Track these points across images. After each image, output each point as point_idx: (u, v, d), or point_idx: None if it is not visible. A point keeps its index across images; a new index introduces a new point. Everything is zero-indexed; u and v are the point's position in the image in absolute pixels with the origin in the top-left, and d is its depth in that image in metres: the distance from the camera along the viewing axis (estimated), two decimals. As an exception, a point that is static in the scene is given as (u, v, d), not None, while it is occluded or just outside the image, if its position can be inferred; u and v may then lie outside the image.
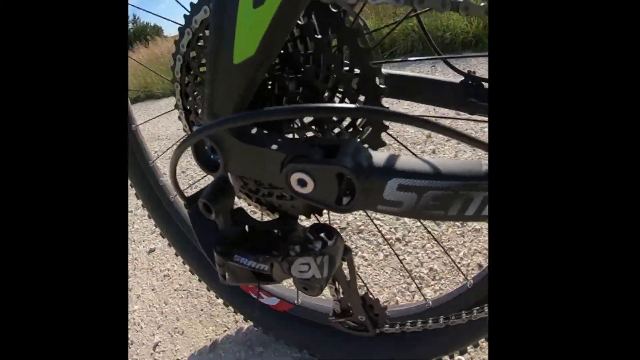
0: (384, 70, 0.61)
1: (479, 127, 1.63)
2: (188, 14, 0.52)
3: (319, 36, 0.47)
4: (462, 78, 0.58)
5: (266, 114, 0.42)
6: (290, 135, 0.53)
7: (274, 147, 0.46)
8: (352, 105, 0.47)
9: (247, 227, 0.57)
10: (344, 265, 0.61)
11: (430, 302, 0.77)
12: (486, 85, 0.57)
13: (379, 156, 0.43)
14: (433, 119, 0.39)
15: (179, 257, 1.02)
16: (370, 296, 0.69)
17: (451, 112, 0.66)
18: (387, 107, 0.46)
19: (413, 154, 0.59)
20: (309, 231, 0.55)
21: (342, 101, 0.49)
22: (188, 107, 0.59)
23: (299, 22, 0.47)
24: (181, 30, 0.54)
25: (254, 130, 0.47)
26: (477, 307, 0.64)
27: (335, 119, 0.51)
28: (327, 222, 0.58)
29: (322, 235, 0.55)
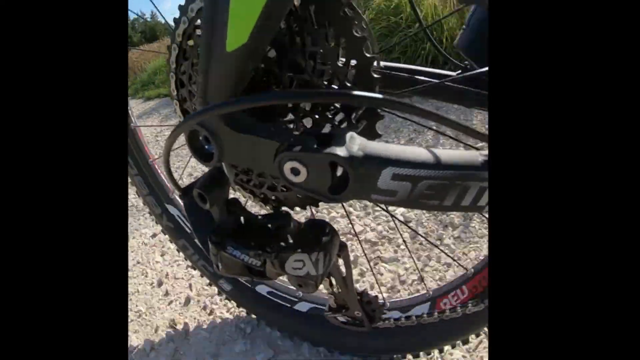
0: (381, 63, 0.61)
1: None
2: (183, 3, 0.52)
3: (315, 26, 0.46)
4: (459, 71, 0.57)
5: (255, 99, 0.42)
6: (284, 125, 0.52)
7: (268, 135, 0.45)
8: (339, 90, 0.46)
9: (242, 219, 0.56)
10: (340, 261, 0.60)
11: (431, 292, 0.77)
12: (484, 79, 0.56)
13: (373, 145, 0.42)
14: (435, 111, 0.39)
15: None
16: (368, 293, 0.68)
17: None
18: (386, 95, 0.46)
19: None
20: (304, 227, 0.55)
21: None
22: (182, 96, 0.59)
23: (296, 12, 0.47)
24: (176, 20, 0.54)
25: (247, 119, 0.47)
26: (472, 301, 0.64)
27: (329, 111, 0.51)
28: (323, 218, 0.58)
29: (316, 231, 0.54)
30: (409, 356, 0.82)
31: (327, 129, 0.50)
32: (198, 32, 0.53)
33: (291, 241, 0.52)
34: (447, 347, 0.81)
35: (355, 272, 1.07)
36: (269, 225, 0.56)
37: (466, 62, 0.59)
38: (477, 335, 0.84)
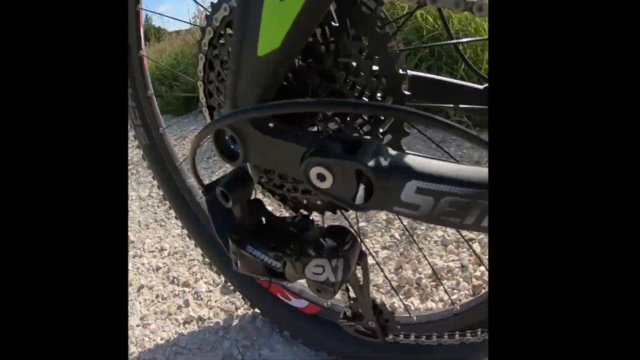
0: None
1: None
2: (209, 13, 0.53)
3: (349, 39, 0.46)
4: (486, 84, 0.57)
5: (284, 106, 0.42)
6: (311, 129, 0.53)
7: (295, 140, 0.45)
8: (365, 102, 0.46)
9: (263, 220, 0.57)
10: (358, 268, 0.60)
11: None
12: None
13: (400, 156, 0.42)
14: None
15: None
16: (383, 303, 0.68)
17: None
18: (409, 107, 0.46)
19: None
20: (325, 233, 0.55)
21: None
22: (212, 105, 0.60)
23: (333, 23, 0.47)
24: (202, 29, 0.55)
25: (274, 122, 0.47)
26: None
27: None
28: (344, 225, 0.58)
29: (338, 237, 0.54)
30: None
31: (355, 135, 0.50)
32: (222, 41, 0.54)
33: (313, 246, 0.53)
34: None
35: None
36: (291, 228, 0.56)
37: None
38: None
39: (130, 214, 1.72)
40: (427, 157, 0.42)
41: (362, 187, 0.42)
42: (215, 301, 1.11)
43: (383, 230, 1.23)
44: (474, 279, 1.00)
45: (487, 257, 1.07)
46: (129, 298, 1.19)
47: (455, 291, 0.98)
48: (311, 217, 0.59)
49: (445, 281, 1.01)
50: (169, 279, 1.25)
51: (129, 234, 1.55)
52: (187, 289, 1.19)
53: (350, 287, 0.64)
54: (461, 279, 1.01)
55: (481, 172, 0.40)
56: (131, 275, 1.30)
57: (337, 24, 0.46)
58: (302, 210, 0.62)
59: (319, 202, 0.58)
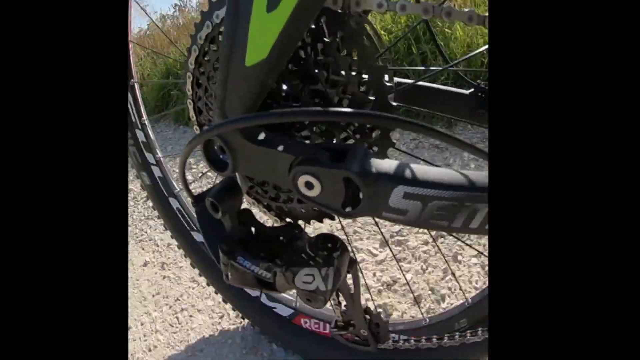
0: (395, 79, 0.62)
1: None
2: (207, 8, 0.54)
3: (328, 39, 0.47)
4: (472, 89, 0.58)
5: (273, 115, 0.42)
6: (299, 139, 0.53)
7: (283, 149, 0.46)
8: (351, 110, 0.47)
9: (253, 230, 0.57)
10: (348, 277, 0.60)
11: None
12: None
13: (387, 163, 0.43)
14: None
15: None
16: (374, 311, 0.68)
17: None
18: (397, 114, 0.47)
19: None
20: (315, 241, 0.55)
21: (351, 104, 0.49)
22: (202, 122, 0.61)
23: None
24: (188, 49, 0.56)
25: (263, 132, 0.48)
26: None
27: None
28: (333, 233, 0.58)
29: (327, 246, 0.54)
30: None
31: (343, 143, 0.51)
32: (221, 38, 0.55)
33: (302, 255, 0.53)
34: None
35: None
36: (281, 238, 0.57)
37: (479, 80, 0.60)
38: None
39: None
40: (413, 162, 0.43)
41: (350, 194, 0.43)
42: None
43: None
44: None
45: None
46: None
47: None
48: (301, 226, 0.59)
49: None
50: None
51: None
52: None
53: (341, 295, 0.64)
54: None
55: (467, 175, 0.41)
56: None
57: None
58: (290, 220, 0.62)
59: (314, 211, 0.59)
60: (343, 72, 0.48)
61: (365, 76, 0.47)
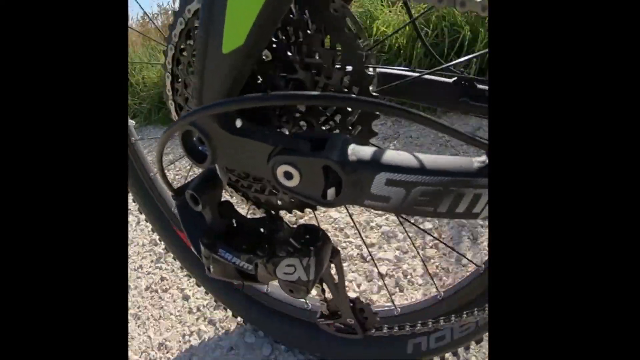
0: (378, 70, 0.61)
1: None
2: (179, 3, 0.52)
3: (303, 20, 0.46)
4: (455, 78, 0.58)
5: (247, 100, 0.41)
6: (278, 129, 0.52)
7: (261, 138, 0.45)
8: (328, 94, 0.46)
9: (234, 222, 0.56)
10: (332, 266, 0.60)
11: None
12: (478, 85, 0.56)
13: (367, 150, 0.42)
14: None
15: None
16: (361, 300, 0.68)
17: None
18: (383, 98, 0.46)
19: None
20: (296, 232, 0.55)
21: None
22: (179, 100, 0.59)
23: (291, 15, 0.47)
24: (164, 51, 0.55)
25: (241, 122, 0.47)
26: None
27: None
28: (315, 223, 0.58)
29: (308, 236, 0.54)
30: None
31: (322, 132, 0.50)
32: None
33: (283, 245, 0.52)
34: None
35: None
36: (261, 229, 0.56)
37: (462, 69, 0.59)
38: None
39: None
40: (394, 149, 0.43)
41: (330, 182, 0.42)
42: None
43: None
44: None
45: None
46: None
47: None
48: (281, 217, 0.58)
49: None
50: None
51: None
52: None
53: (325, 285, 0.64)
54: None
55: (450, 160, 0.40)
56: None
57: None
58: (272, 211, 0.61)
59: (284, 201, 0.58)
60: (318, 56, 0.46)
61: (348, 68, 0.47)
